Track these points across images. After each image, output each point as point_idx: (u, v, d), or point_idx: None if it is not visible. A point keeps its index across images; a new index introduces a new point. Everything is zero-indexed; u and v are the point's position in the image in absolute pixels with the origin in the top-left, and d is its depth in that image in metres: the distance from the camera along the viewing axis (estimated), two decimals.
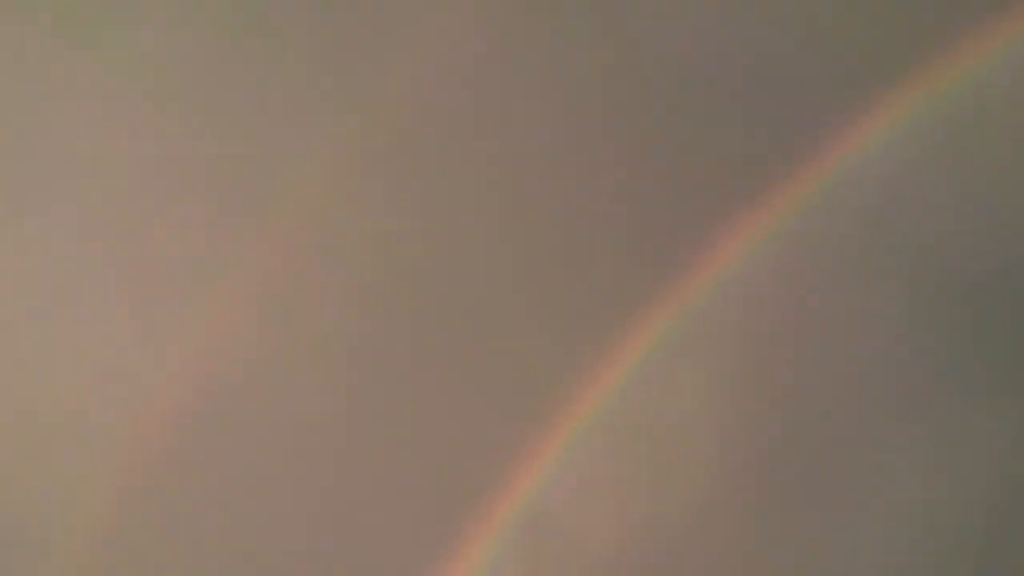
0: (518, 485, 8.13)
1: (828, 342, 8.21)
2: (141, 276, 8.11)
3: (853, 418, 8.18)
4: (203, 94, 8.10)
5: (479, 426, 8.11)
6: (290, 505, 8.07)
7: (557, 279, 8.22)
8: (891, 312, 8.24)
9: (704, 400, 8.17)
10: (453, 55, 8.19)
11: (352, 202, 8.16)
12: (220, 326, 8.10)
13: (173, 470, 8.08)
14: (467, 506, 8.08)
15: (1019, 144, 8.42)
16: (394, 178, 8.22)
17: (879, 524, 8.08)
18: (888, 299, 8.25)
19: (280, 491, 8.06)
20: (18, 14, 8.06)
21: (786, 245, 8.27)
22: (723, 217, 8.18)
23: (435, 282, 8.17)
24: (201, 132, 8.10)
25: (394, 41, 8.18)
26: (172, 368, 8.07)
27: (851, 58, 8.34)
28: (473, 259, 8.17)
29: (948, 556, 8.04)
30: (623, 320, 8.16)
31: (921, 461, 8.11)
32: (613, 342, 8.16)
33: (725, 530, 8.07)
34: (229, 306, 8.11)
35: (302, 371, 8.11)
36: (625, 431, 8.21)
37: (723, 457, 8.12)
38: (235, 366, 8.10)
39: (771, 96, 8.26)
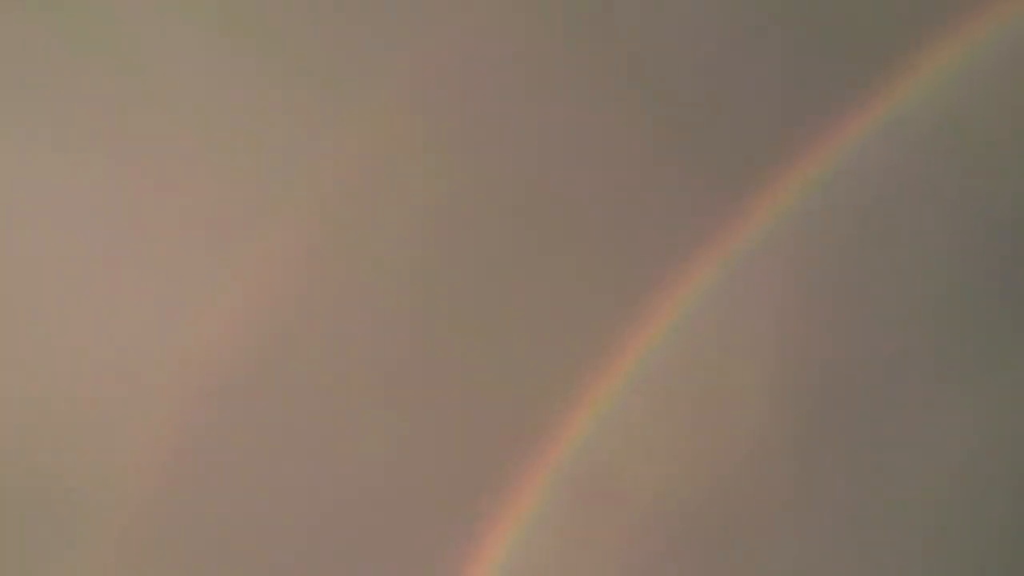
0: (566, 436, 8.29)
1: (873, 290, 8.43)
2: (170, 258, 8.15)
3: (896, 370, 8.41)
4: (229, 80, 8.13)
5: (528, 379, 8.26)
6: (336, 463, 8.17)
7: (595, 236, 8.37)
8: (933, 269, 8.46)
9: (750, 351, 8.36)
10: (457, 57, 8.28)
11: (371, 197, 8.22)
12: (242, 312, 8.18)
13: (210, 440, 8.21)
14: (516, 458, 8.22)
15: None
16: (409, 174, 8.27)
17: (922, 473, 8.30)
18: (928, 260, 8.47)
19: (328, 448, 8.17)
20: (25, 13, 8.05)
21: (828, 201, 8.46)
22: (772, 168, 8.36)
23: (485, 242, 8.27)
24: (214, 125, 8.14)
25: (401, 41, 8.25)
26: (207, 341, 8.16)
27: (856, 42, 8.45)
28: (522, 222, 8.29)
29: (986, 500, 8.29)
30: (669, 273, 8.33)
31: (959, 411, 8.37)
32: (659, 294, 8.33)
33: (771, 480, 8.25)
34: (248, 298, 8.18)
35: (357, 333, 8.21)
36: (671, 383, 8.39)
37: (769, 409, 8.30)
38: (274, 332, 8.21)
39: (781, 82, 8.43)
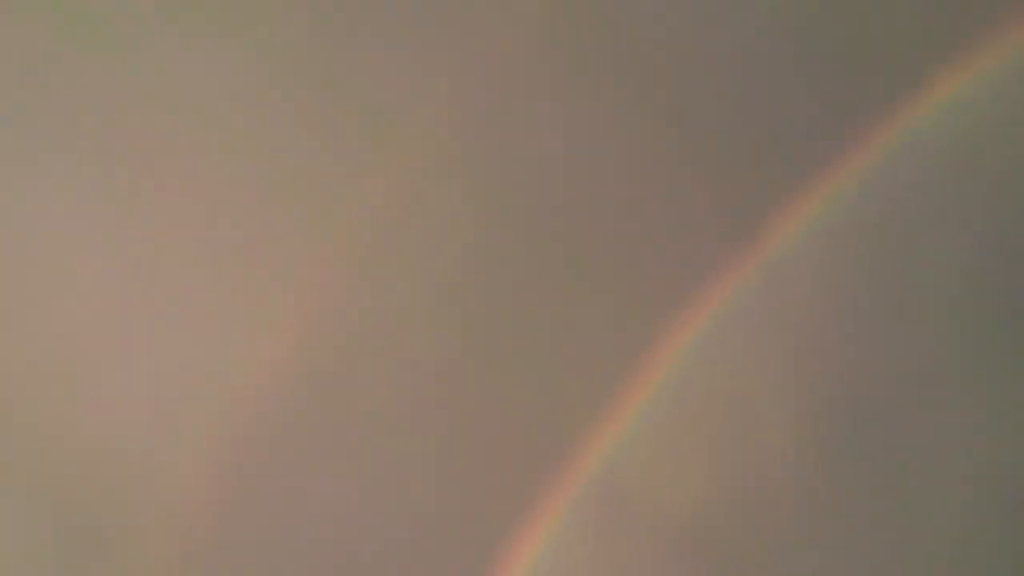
0: (592, 450, 8.41)
1: (892, 305, 8.54)
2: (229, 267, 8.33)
3: (917, 385, 8.49)
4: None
5: (555, 392, 8.39)
6: (369, 479, 8.36)
7: (622, 257, 8.48)
8: (952, 281, 8.55)
9: (772, 368, 8.46)
10: (490, 80, 8.41)
11: (407, 221, 8.39)
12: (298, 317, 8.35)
13: (256, 464, 8.36)
14: (542, 471, 8.35)
15: None
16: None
17: (944, 487, 8.42)
18: (948, 273, 8.56)
19: (362, 466, 8.34)
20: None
21: (847, 217, 8.57)
22: (786, 189, 8.47)
23: (517, 264, 8.42)
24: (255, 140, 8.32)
25: (435, 65, 8.38)
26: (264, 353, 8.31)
27: (877, 59, 8.55)
28: (551, 243, 8.44)
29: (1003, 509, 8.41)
30: (692, 292, 8.45)
31: (976, 417, 8.46)
32: (683, 309, 8.45)
33: (794, 495, 8.36)
34: (287, 324, 8.34)
35: (391, 355, 8.40)
36: (696, 396, 8.49)
37: (791, 425, 8.41)
38: (312, 357, 8.36)
39: (804, 100, 8.51)
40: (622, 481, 8.40)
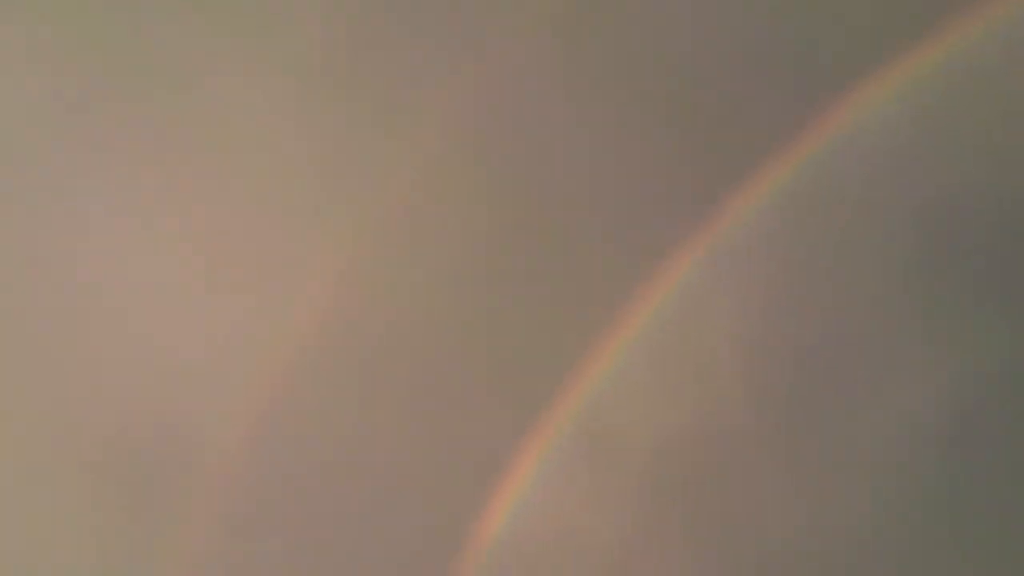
0: (574, 395, 8.99)
1: (839, 266, 9.08)
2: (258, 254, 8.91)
3: (863, 338, 9.10)
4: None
5: (537, 339, 8.89)
6: (376, 426, 8.96)
7: (605, 222, 9.01)
8: (896, 252, 9.10)
9: (733, 321, 9.00)
10: (498, 87, 8.88)
11: (417, 219, 8.96)
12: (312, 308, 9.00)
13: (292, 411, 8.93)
14: (523, 413, 8.89)
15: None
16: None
17: (883, 421, 9.03)
18: (893, 244, 9.10)
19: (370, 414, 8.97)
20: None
21: (800, 197, 9.11)
22: (747, 162, 8.96)
23: (513, 242, 9.00)
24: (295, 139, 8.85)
25: (447, 71, 8.88)
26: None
27: (831, 45, 8.98)
28: (536, 214, 9.03)
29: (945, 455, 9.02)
30: (663, 254, 9.02)
31: (919, 374, 9.07)
32: (654, 274, 9.01)
33: (751, 433, 8.92)
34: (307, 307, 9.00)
35: (394, 328, 8.98)
36: (666, 347, 9.03)
37: (748, 370, 8.98)
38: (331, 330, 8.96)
39: (756, 83, 8.96)
40: (600, 421, 9.04)
